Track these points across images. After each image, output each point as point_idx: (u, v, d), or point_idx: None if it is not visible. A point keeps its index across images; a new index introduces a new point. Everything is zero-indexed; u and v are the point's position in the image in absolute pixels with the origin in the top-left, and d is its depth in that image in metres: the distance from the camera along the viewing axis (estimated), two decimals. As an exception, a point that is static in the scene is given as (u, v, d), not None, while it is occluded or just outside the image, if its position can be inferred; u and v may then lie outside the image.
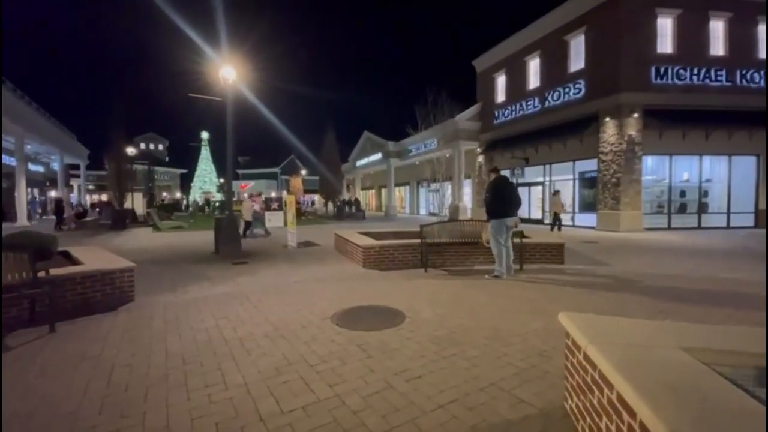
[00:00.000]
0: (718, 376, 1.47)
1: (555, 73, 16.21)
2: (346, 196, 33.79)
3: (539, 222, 17.44)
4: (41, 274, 3.88)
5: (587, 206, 15.42)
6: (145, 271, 6.29)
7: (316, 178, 36.25)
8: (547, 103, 16.51)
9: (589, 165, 15.06)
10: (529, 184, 18.45)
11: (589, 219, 14.95)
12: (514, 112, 18.51)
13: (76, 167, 33.54)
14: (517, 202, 5.82)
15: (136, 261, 5.09)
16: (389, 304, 4.37)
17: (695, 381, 1.43)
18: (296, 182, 30.86)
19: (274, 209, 21.30)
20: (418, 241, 6.64)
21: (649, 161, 14.04)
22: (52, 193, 29.63)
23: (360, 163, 34.59)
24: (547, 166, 17.33)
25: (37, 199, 19.58)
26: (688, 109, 13.15)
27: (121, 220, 17.12)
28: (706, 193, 14.59)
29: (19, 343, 3.34)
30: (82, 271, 4.34)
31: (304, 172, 44.22)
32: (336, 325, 3.70)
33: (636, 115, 13.28)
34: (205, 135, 48.08)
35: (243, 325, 3.74)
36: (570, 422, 2.03)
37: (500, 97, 19.94)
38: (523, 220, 17.43)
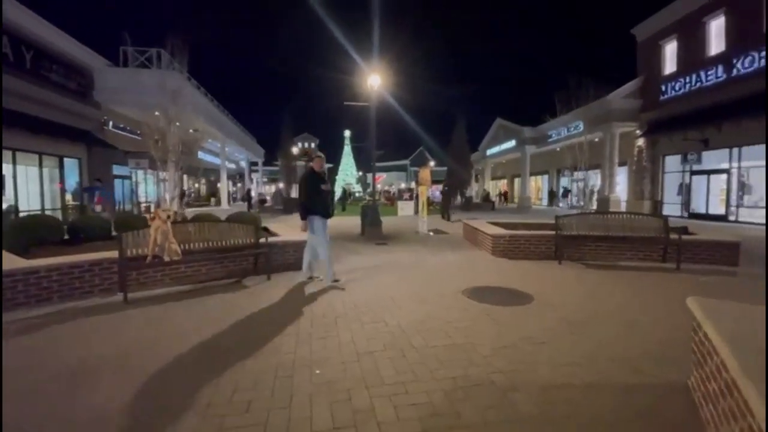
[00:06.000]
0: None
1: (748, 32, 12.73)
2: (475, 186, 33.30)
3: (722, 218, 14.17)
4: (261, 240, 5.64)
5: (797, 200, 11.85)
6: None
7: (444, 168, 36.75)
8: (735, 71, 13.16)
9: (803, 146, 11.48)
10: (708, 172, 15.12)
11: (798, 217, 11.49)
12: (688, 85, 15.31)
13: (255, 164, 42.47)
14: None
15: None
16: (517, 287, 4.72)
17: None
18: (425, 173, 31.76)
19: (405, 200, 22.98)
20: (553, 232, 6.58)
21: None
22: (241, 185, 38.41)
23: (491, 151, 33.58)
24: (734, 150, 13.88)
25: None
26: None
27: (289, 205, 21.29)
28: None
29: (251, 284, 5.02)
30: (282, 240, 6.05)
31: (432, 163, 45.27)
32: (467, 298, 4.31)
33: None
34: (347, 133, 53.69)
35: (391, 289, 4.72)
36: (688, 394, 2.18)
37: (669, 68, 16.69)
38: (699, 216, 14.63)
